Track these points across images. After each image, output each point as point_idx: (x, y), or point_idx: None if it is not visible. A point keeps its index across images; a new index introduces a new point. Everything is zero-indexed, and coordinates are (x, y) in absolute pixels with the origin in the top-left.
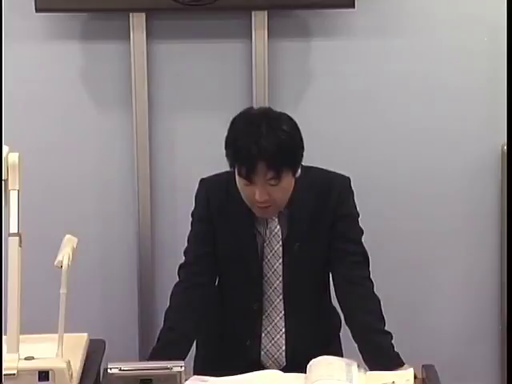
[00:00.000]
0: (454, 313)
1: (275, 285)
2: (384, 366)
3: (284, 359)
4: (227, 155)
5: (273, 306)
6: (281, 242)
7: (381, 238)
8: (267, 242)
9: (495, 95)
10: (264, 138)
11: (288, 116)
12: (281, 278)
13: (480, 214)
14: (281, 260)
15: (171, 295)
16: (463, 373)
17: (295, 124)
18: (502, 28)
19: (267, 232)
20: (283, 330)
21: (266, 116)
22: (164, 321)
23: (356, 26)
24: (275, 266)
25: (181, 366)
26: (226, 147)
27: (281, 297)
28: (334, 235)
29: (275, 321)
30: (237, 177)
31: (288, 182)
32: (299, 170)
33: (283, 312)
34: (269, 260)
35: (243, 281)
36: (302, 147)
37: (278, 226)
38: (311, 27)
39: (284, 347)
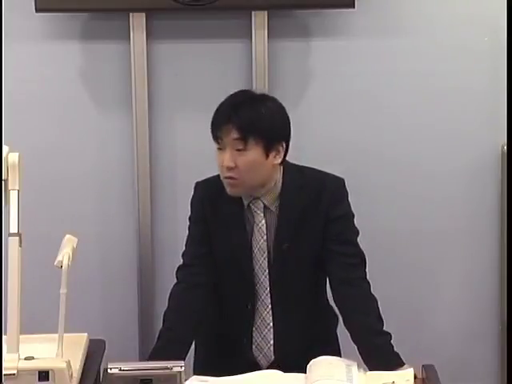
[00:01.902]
0: (454, 313)
1: (261, 279)
2: (384, 367)
3: (272, 353)
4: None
5: (260, 300)
6: (265, 237)
7: (380, 238)
8: (254, 236)
9: (495, 95)
10: (241, 106)
11: (276, 100)
12: (266, 273)
13: (480, 213)
14: (265, 255)
15: (170, 296)
16: (463, 373)
17: (281, 108)
18: (502, 28)
19: (254, 226)
20: (271, 324)
21: (252, 96)
22: (163, 321)
23: (356, 26)
24: (260, 261)
25: (181, 366)
26: None
27: (267, 291)
28: (328, 237)
29: (263, 315)
30: (215, 148)
31: (256, 157)
32: (277, 156)
33: (270, 306)
34: (255, 255)
35: (236, 279)
36: (280, 130)
37: (263, 221)
38: (311, 27)
39: (272, 341)
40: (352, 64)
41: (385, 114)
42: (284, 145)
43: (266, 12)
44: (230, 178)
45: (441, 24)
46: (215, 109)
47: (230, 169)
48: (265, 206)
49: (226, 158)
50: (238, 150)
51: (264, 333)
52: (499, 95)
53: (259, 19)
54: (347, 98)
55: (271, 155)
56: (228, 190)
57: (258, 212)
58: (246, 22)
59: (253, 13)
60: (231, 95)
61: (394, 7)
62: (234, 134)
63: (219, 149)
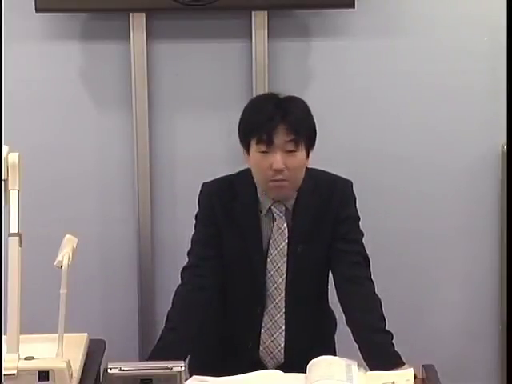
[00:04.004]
0: (454, 313)
1: (278, 282)
2: (384, 366)
3: (282, 356)
4: (242, 132)
5: (274, 303)
6: (287, 241)
7: (381, 238)
8: (273, 239)
9: (495, 95)
10: (288, 107)
11: (304, 102)
12: (284, 276)
13: (480, 213)
14: (285, 258)
15: (174, 296)
16: (463, 373)
17: (309, 107)
18: (502, 28)
19: (274, 230)
20: (283, 327)
21: (285, 97)
22: (166, 321)
23: (356, 26)
24: (279, 264)
25: (181, 366)
26: (241, 125)
27: (282, 294)
28: (335, 236)
29: (275, 318)
30: (253, 152)
31: (303, 159)
32: (309, 157)
33: (284, 310)
34: (273, 258)
35: (247, 279)
36: (316, 130)
37: (285, 224)
38: (311, 27)
39: (283, 344)
40: (352, 64)
41: (384, 113)
42: (314, 146)
43: (266, 12)
44: (280, 180)
45: (441, 24)
46: (250, 111)
47: (280, 171)
48: (286, 209)
49: (277, 161)
50: (289, 152)
51: (275, 336)
52: (499, 95)
53: (259, 19)
54: (347, 98)
55: (309, 156)
56: (274, 192)
57: (281, 215)
58: (246, 21)
59: (253, 13)
60: (258, 97)
61: (393, 7)
62: (289, 136)
63: (264, 152)
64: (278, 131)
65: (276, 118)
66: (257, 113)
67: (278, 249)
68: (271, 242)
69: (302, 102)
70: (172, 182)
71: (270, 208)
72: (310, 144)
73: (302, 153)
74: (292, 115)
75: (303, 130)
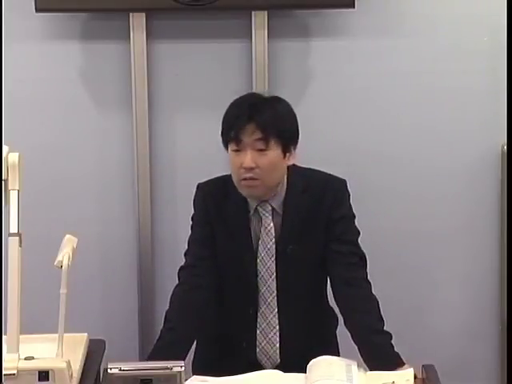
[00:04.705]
0: (454, 313)
1: (268, 282)
2: (384, 366)
3: (278, 357)
4: (221, 133)
5: (267, 303)
6: (274, 240)
7: (380, 238)
8: (261, 239)
9: (495, 95)
10: (260, 106)
11: (287, 102)
12: (274, 276)
13: (480, 214)
14: (274, 258)
15: (171, 296)
16: (463, 373)
17: (292, 109)
18: (502, 28)
19: (262, 229)
20: (277, 327)
21: (264, 97)
22: (164, 321)
23: (356, 26)
24: (268, 264)
25: (181, 366)
26: (222, 126)
27: (274, 294)
28: (330, 237)
29: (269, 318)
30: (229, 151)
31: (276, 157)
32: (291, 157)
33: (276, 309)
34: (263, 258)
35: (240, 280)
36: (296, 129)
37: (272, 224)
38: (311, 27)
39: (278, 345)
40: (352, 64)
41: (384, 114)
42: (295, 146)
43: (266, 12)
44: (250, 178)
45: (441, 24)
46: (227, 110)
47: (250, 169)
48: (273, 209)
49: (247, 159)
50: (259, 151)
51: (270, 336)
52: (499, 95)
53: (259, 19)
54: (347, 98)
55: (287, 156)
56: (245, 191)
57: (267, 215)
58: (246, 21)
59: (253, 13)
60: (240, 97)
61: (393, 7)
62: (257, 135)
63: (236, 150)
64: (245, 130)
65: (243, 117)
66: (230, 112)
67: (267, 249)
68: (260, 242)
69: (284, 103)
70: (172, 182)
71: (256, 208)
72: (286, 143)
73: (274, 152)
74: (262, 115)
75: (273, 129)
